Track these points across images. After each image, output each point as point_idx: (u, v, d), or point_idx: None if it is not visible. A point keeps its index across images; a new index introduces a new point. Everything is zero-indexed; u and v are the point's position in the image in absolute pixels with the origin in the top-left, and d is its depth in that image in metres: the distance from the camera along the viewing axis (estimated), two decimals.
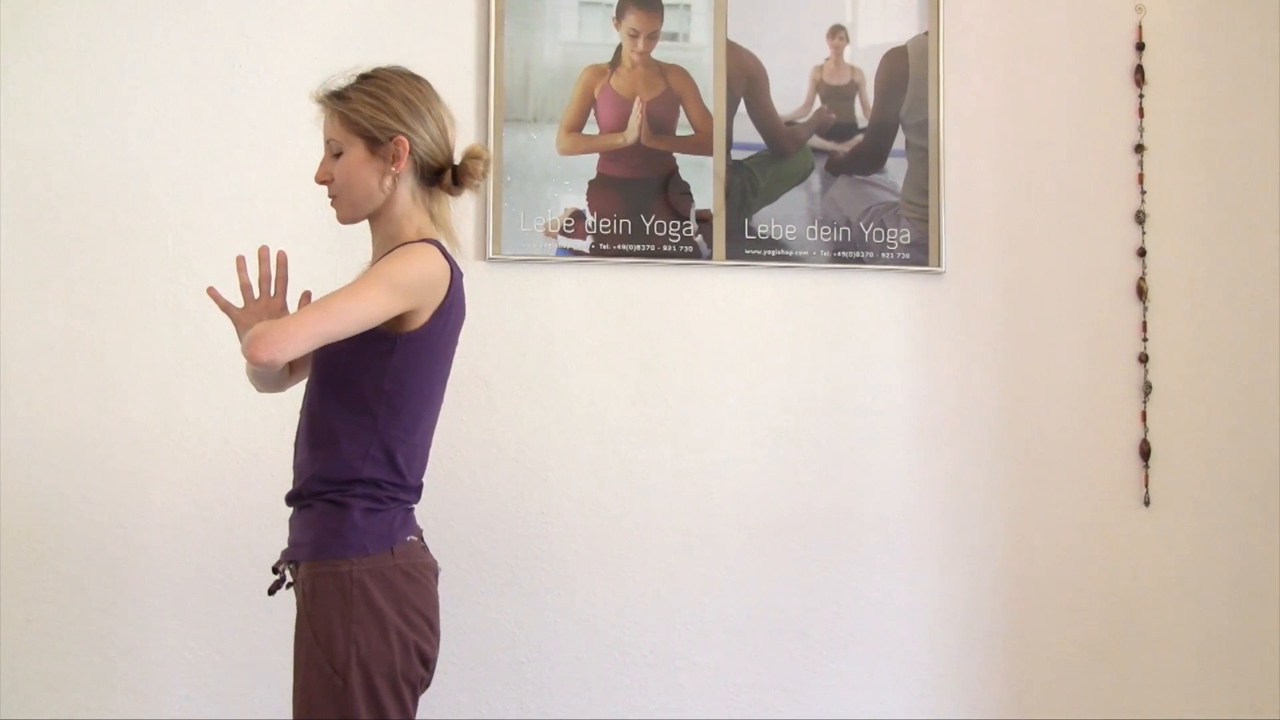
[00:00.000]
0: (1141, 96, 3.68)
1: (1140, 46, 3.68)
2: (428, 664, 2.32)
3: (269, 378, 2.50)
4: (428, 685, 2.35)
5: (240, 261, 2.47)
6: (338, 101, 2.34)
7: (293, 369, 2.53)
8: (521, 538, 3.33)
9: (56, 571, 3.10)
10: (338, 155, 2.34)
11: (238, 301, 2.47)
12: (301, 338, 2.12)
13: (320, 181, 2.37)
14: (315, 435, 2.32)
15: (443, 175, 2.38)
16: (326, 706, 2.21)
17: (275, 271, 2.47)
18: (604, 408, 3.38)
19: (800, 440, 3.48)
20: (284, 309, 2.47)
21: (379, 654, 2.21)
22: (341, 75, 2.37)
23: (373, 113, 2.31)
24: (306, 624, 2.25)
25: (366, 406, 2.28)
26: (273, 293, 2.47)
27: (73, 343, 3.13)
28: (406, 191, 2.35)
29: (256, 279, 2.47)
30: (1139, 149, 3.66)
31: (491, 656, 3.30)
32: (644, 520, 3.39)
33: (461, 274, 2.37)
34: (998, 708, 3.56)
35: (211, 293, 2.47)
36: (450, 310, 2.33)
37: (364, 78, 2.36)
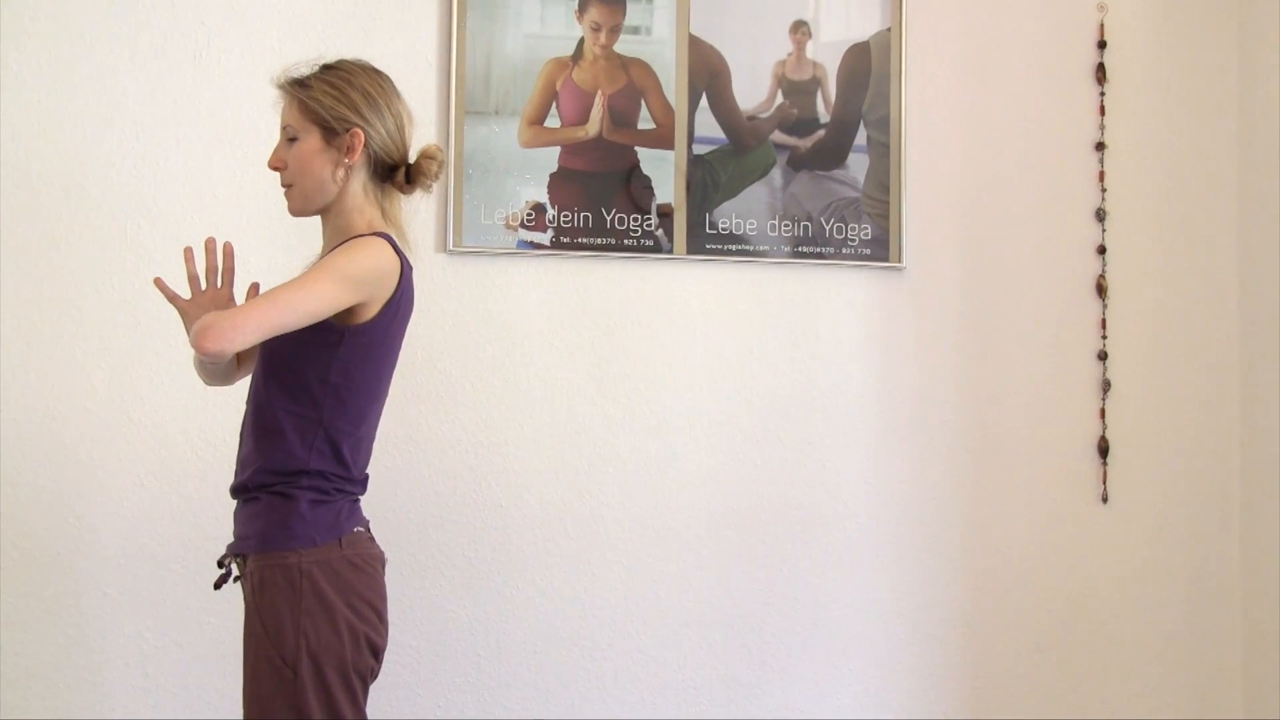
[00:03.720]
0: (1103, 94, 3.69)
1: (1102, 45, 3.69)
2: (377, 654, 2.33)
3: (217, 370, 2.50)
4: (376, 675, 2.35)
5: (188, 253, 2.46)
6: (298, 89, 2.34)
7: (240, 361, 2.53)
8: (479, 531, 3.33)
9: (10, 560, 3.09)
10: (292, 142, 2.34)
11: (185, 293, 2.46)
12: (250, 329, 2.12)
13: (273, 167, 2.37)
14: (260, 426, 2.32)
15: (396, 172, 2.38)
16: (277, 699, 2.21)
17: (223, 263, 2.46)
18: (563, 401, 3.38)
19: (759, 435, 3.48)
20: (231, 300, 2.46)
21: (329, 645, 2.22)
22: (305, 64, 2.38)
23: (332, 103, 2.31)
24: (255, 617, 2.25)
25: (312, 398, 2.28)
26: (220, 284, 2.46)
27: (30, 333, 3.11)
28: (358, 185, 2.35)
29: (204, 270, 2.46)
30: (1100, 147, 3.68)
31: (448, 650, 3.30)
32: (602, 514, 3.40)
33: (411, 268, 2.37)
34: (954, 704, 3.57)
35: (158, 284, 2.46)
36: (399, 304, 2.33)
37: (327, 68, 2.37)
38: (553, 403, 3.38)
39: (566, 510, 3.38)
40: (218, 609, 3.06)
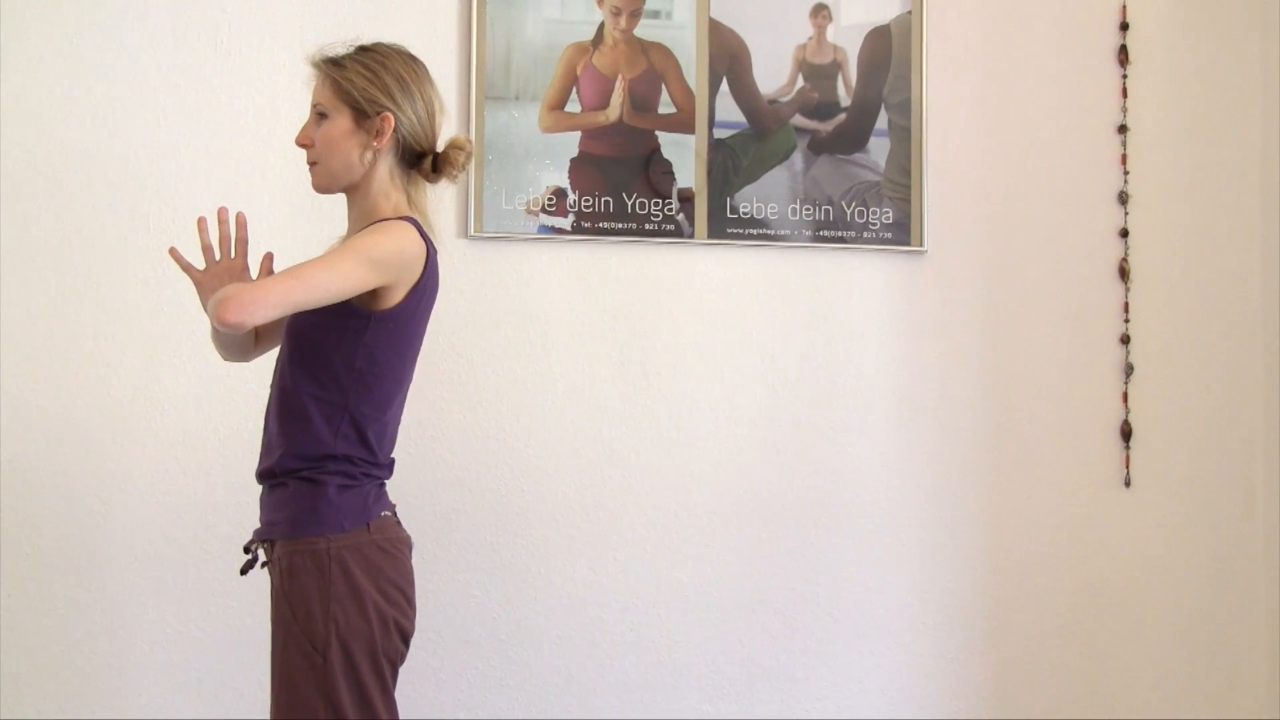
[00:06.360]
0: (1125, 77, 3.67)
1: (1124, 26, 3.67)
2: (406, 639, 2.33)
3: (234, 345, 2.50)
4: (404, 660, 2.35)
5: (201, 223, 2.46)
6: (333, 68, 2.34)
7: (260, 339, 2.54)
8: (502, 516, 3.33)
9: (35, 547, 3.10)
10: (322, 119, 2.34)
11: (199, 263, 2.47)
12: (271, 303, 2.12)
13: (300, 144, 2.38)
14: (286, 409, 2.32)
15: (424, 160, 2.38)
16: (307, 685, 2.21)
17: (235, 233, 2.46)
18: (585, 386, 3.38)
19: (781, 419, 3.48)
20: (245, 270, 2.46)
21: (358, 631, 2.22)
22: (340, 43, 2.38)
23: (365, 85, 2.31)
24: (284, 603, 2.25)
25: (337, 383, 2.28)
26: (233, 254, 2.46)
27: (53, 319, 3.12)
28: (385, 169, 2.35)
29: (217, 240, 2.46)
30: (1122, 129, 3.66)
31: (472, 635, 3.30)
32: (624, 498, 3.39)
33: (436, 252, 2.37)
34: (977, 688, 3.57)
35: (173, 253, 2.48)
36: (425, 289, 2.33)
37: (363, 49, 2.37)
38: (574, 387, 3.38)
39: (588, 496, 3.38)
40: (242, 595, 3.07)
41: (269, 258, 2.48)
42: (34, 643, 3.09)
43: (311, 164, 2.37)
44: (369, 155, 2.33)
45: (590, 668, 3.37)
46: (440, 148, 2.40)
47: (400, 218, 2.32)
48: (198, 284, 2.46)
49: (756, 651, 3.45)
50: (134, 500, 3.15)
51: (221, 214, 2.46)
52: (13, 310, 3.11)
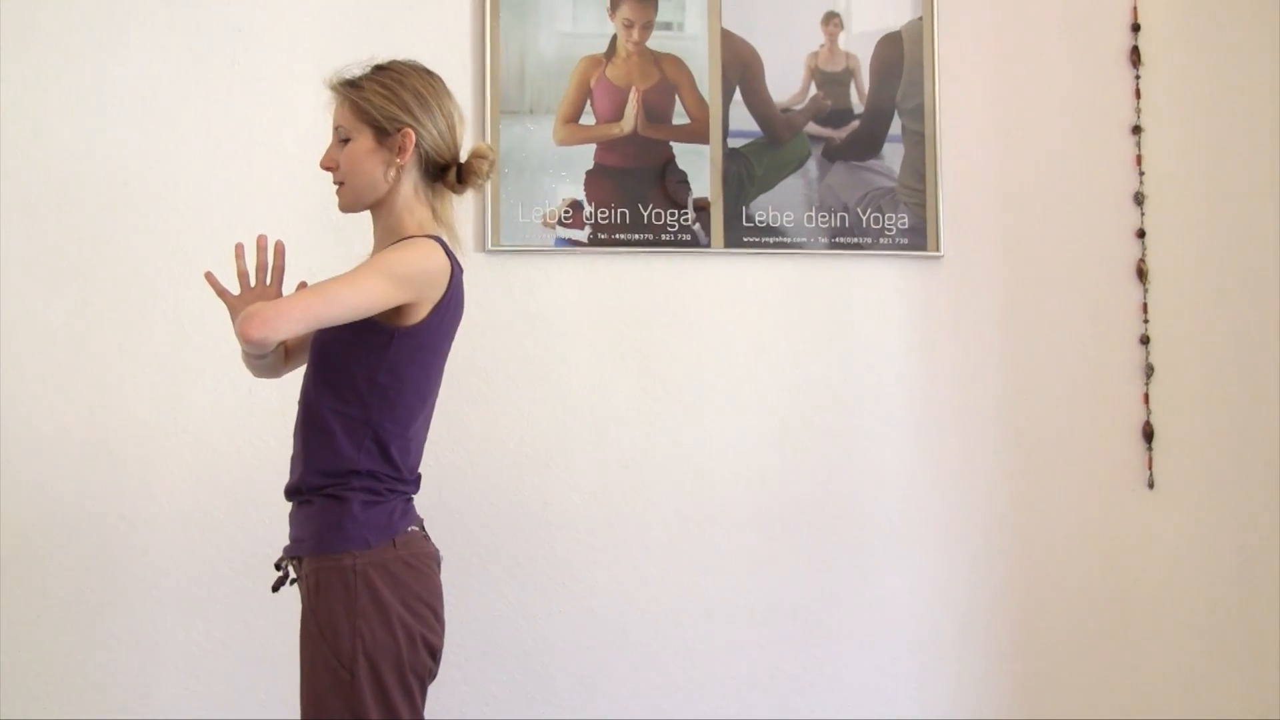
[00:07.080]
0: (1138, 78, 3.67)
1: (1136, 27, 3.67)
2: (434, 654, 2.33)
3: (263, 361, 2.50)
4: (434, 676, 2.35)
5: (239, 249, 2.48)
6: (350, 89, 2.35)
7: (289, 355, 2.55)
8: (523, 528, 3.33)
9: (60, 566, 3.10)
10: (345, 143, 2.35)
11: (234, 288, 2.49)
12: (295, 319, 2.13)
13: (325, 167, 2.39)
14: (309, 425, 2.33)
15: (448, 172, 2.39)
16: (334, 701, 2.21)
17: (273, 260, 2.48)
18: (604, 397, 3.39)
19: (800, 427, 3.48)
20: (279, 298, 2.46)
21: (384, 646, 2.22)
22: (356, 64, 2.39)
23: (383, 103, 2.32)
24: (311, 619, 2.25)
25: (360, 399, 2.28)
26: (269, 281, 2.48)
27: (74, 337, 3.14)
28: (410, 185, 2.36)
29: (254, 267, 2.48)
30: (1136, 130, 3.66)
31: (495, 647, 3.31)
32: (645, 509, 3.39)
33: (462, 270, 2.38)
34: (1000, 693, 3.56)
35: (209, 278, 2.49)
36: (449, 306, 2.34)
37: (378, 68, 2.38)
38: (593, 399, 3.38)
39: (609, 506, 3.38)
40: (266, 611, 3.07)
41: (302, 286, 2.49)
42: (59, 661, 3.10)
43: (338, 185, 2.38)
44: (393, 172, 2.34)
45: (613, 678, 3.37)
46: (463, 158, 2.42)
47: (426, 236, 2.33)
48: (231, 309, 2.47)
49: (778, 658, 3.45)
50: (158, 519, 3.15)
51: (261, 241, 2.47)
52: (35, 331, 3.12)
